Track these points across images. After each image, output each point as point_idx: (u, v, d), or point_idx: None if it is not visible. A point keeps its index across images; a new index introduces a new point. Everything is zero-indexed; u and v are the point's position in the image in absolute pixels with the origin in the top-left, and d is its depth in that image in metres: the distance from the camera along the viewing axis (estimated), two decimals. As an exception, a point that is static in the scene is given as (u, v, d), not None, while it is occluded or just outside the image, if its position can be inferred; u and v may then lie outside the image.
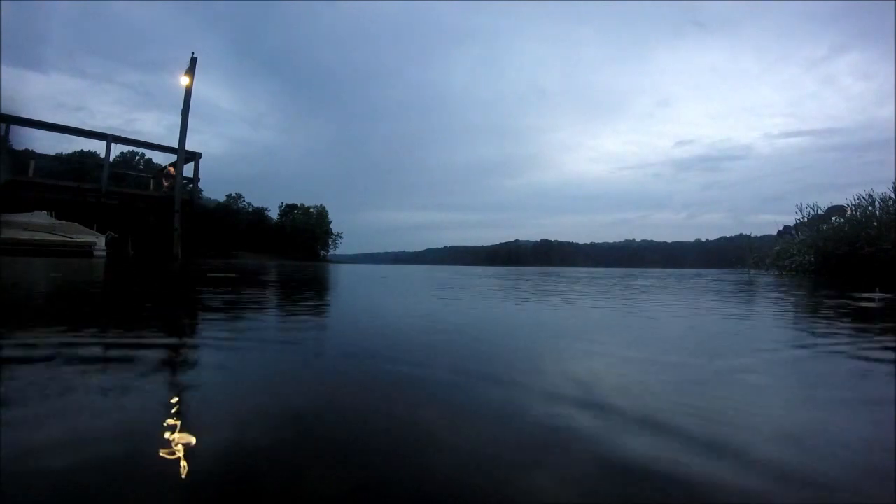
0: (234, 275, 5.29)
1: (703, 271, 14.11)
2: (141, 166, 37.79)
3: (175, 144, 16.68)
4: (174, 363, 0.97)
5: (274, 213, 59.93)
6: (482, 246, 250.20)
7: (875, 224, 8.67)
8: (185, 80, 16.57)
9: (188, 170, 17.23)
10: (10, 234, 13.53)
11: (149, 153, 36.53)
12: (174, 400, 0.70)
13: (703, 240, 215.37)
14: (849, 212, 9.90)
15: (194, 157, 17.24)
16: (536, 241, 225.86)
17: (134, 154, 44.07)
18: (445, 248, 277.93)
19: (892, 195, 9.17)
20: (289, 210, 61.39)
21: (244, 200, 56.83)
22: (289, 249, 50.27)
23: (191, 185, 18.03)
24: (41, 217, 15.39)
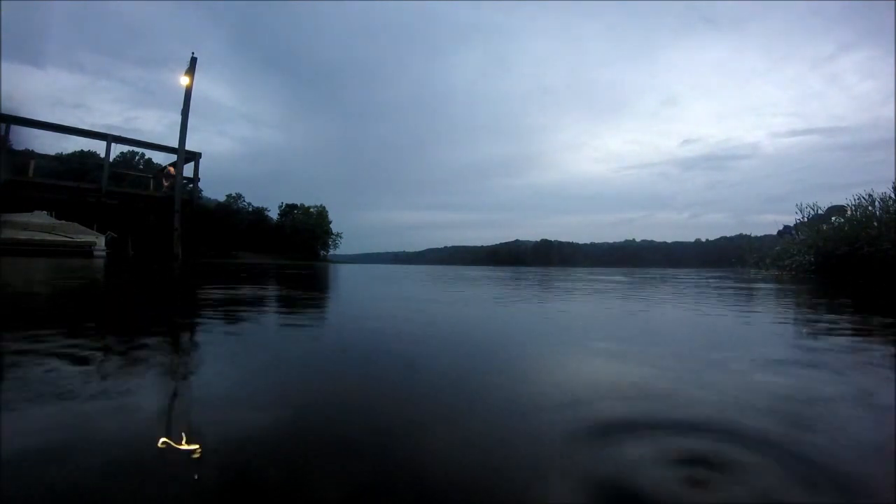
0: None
1: (703, 271, 14.11)
2: (141, 166, 37.77)
3: (175, 143, 16.67)
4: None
5: (274, 213, 59.96)
6: (482, 246, 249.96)
7: (875, 224, 8.66)
8: (184, 81, 16.55)
9: (188, 170, 17.21)
10: (10, 234, 13.54)
11: (149, 153, 36.53)
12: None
13: (704, 240, 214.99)
14: (849, 212, 9.90)
15: (194, 157, 17.22)
16: (536, 241, 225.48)
17: (134, 154, 44.04)
18: (445, 247, 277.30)
19: (893, 195, 9.17)
20: (289, 210, 61.38)
21: (244, 200, 56.84)
22: (289, 249, 50.24)
23: (191, 185, 18.01)
24: (41, 217, 15.40)
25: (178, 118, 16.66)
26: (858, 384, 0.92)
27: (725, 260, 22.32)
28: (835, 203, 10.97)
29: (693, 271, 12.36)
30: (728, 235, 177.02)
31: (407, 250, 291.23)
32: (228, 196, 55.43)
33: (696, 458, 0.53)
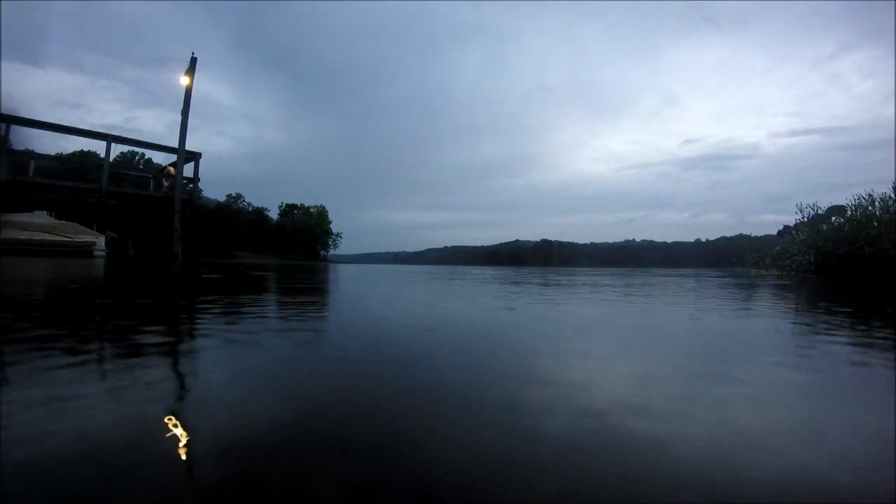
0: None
1: (701, 271, 14.16)
2: (141, 166, 37.76)
3: (175, 143, 16.67)
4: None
5: (274, 213, 59.92)
6: (482, 246, 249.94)
7: (875, 224, 8.66)
8: (184, 81, 16.55)
9: (188, 170, 17.21)
10: (10, 234, 13.52)
11: (149, 153, 36.55)
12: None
13: (703, 240, 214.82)
14: (849, 212, 9.90)
15: (194, 157, 17.21)
16: (536, 241, 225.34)
17: (134, 154, 44.03)
18: (445, 247, 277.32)
19: (892, 195, 9.17)
20: (289, 210, 61.34)
21: (244, 200, 56.83)
22: (289, 249, 50.23)
23: (191, 185, 18.01)
24: (41, 217, 15.37)
25: (178, 118, 16.65)
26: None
27: (725, 260, 22.31)
28: (835, 203, 10.98)
29: (695, 272, 12.39)
30: (728, 235, 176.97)
31: (407, 250, 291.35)
32: (228, 196, 55.44)
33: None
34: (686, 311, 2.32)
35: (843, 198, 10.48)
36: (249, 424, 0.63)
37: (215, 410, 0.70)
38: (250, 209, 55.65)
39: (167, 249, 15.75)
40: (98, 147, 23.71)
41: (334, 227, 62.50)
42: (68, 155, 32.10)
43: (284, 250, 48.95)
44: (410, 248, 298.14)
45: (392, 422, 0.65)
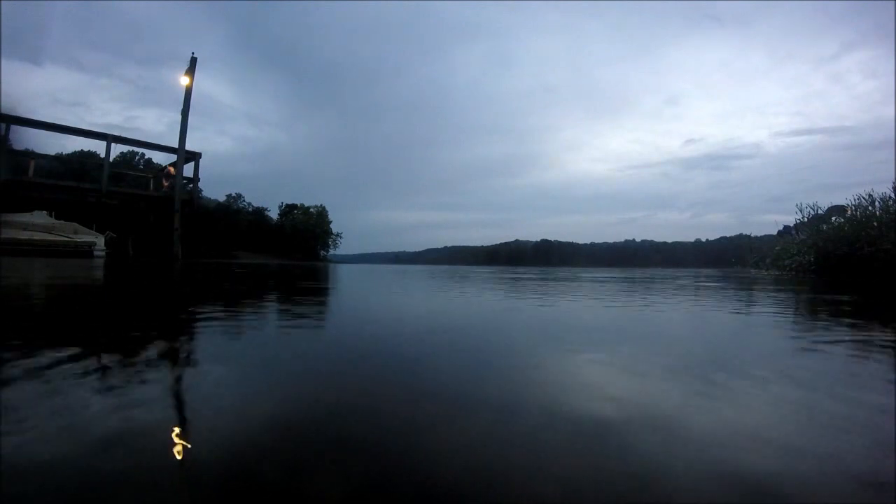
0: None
1: (701, 271, 14.13)
2: (141, 166, 37.77)
3: (175, 143, 16.68)
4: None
5: (274, 213, 59.91)
6: (482, 246, 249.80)
7: (875, 224, 8.66)
8: (185, 81, 16.57)
9: (188, 170, 17.24)
10: (10, 234, 13.53)
11: (149, 153, 36.57)
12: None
13: (703, 240, 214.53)
14: (849, 212, 9.90)
15: (194, 157, 17.24)
16: (536, 241, 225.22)
17: (134, 154, 44.03)
18: (445, 247, 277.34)
19: (893, 195, 9.17)
20: (289, 210, 61.31)
21: (244, 200, 56.83)
22: (289, 249, 50.23)
23: (191, 185, 18.03)
24: (41, 217, 15.38)
25: (178, 118, 16.68)
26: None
27: (725, 260, 22.32)
28: (835, 203, 11.00)
29: (703, 272, 12.34)
30: (728, 235, 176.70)
31: (407, 250, 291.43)
32: (228, 196, 55.44)
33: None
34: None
35: (844, 198, 10.51)
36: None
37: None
38: (250, 209, 55.63)
39: (167, 249, 15.76)
40: (98, 147, 23.72)
41: (334, 227, 62.51)
42: (68, 155, 32.12)
43: (284, 250, 48.94)
44: (410, 248, 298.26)
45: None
